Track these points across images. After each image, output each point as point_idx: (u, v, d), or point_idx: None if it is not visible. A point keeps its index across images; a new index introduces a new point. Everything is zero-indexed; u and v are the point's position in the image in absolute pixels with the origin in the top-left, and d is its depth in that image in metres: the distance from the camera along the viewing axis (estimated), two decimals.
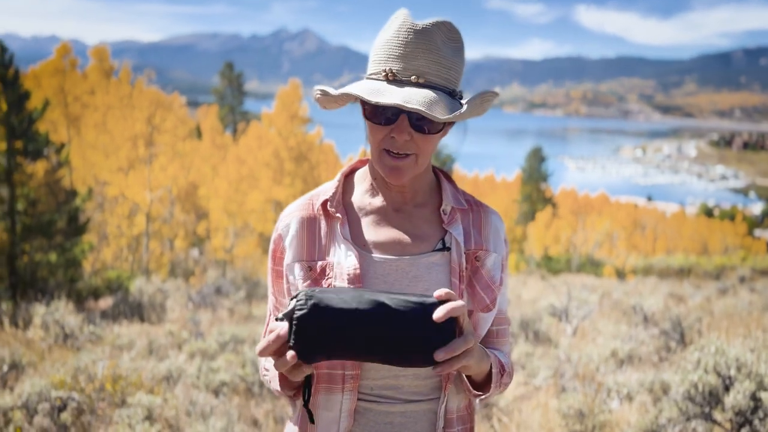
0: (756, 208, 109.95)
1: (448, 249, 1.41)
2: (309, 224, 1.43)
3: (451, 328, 1.18)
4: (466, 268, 1.42)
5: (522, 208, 43.84)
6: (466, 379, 1.39)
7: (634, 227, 46.61)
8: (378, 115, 1.33)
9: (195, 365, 5.84)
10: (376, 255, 1.39)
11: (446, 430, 1.40)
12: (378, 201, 1.46)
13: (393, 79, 1.30)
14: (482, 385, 1.42)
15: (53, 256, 12.28)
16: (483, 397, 1.43)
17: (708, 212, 79.75)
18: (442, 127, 1.35)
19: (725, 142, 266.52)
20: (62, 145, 13.29)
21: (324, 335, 1.16)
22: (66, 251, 12.49)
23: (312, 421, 1.32)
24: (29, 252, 12.12)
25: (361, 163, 1.55)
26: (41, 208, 12.27)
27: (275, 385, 1.40)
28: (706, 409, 3.87)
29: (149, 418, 4.40)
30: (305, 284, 1.39)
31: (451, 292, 1.20)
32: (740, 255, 40.53)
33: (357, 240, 1.41)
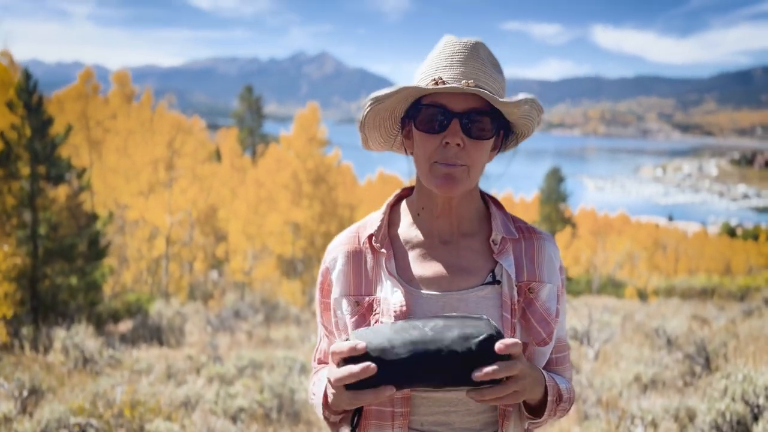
0: None
1: (498, 282, 1.37)
2: (355, 258, 1.42)
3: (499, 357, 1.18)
4: (519, 301, 1.38)
5: (541, 229, 43.50)
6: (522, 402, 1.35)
7: (656, 247, 46.03)
8: (430, 122, 1.31)
9: (213, 390, 5.82)
10: (424, 291, 1.37)
11: None
12: (425, 233, 1.43)
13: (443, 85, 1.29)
14: (536, 409, 1.37)
15: (74, 280, 12.39)
16: (536, 422, 1.38)
17: (730, 232, 78.53)
18: (494, 133, 1.33)
19: (746, 160, 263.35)
20: (84, 170, 13.47)
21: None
22: (86, 275, 12.60)
23: None
24: (51, 275, 12.25)
25: (407, 191, 1.53)
26: (63, 232, 12.41)
27: (320, 411, 1.39)
28: None
29: None
30: (353, 320, 1.38)
31: (511, 342, 1.17)
32: (765, 275, 39.76)
33: (404, 274, 1.39)
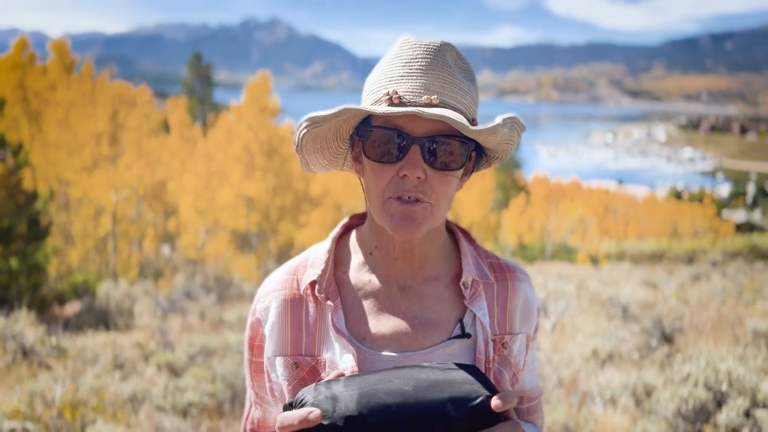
0: (723, 190, 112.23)
1: (468, 336, 1.12)
2: (293, 308, 1.15)
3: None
4: (494, 359, 1.13)
5: (496, 196, 44.04)
6: None
7: (606, 212, 47.05)
8: (382, 148, 1.04)
9: (161, 384, 5.54)
10: (379, 351, 1.10)
11: None
12: (379, 277, 1.16)
13: (398, 103, 1.02)
14: None
15: (14, 263, 11.78)
16: None
17: (677, 195, 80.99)
18: (464, 162, 1.06)
19: (693, 125, 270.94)
20: (20, 147, 12.74)
21: None
22: (28, 257, 12.00)
23: None
24: None
25: (356, 220, 1.25)
26: None
27: None
28: (698, 426, 3.71)
29: None
30: (290, 387, 1.11)
31: (506, 395, 0.95)
32: (710, 238, 41.10)
33: (355, 331, 1.12)
